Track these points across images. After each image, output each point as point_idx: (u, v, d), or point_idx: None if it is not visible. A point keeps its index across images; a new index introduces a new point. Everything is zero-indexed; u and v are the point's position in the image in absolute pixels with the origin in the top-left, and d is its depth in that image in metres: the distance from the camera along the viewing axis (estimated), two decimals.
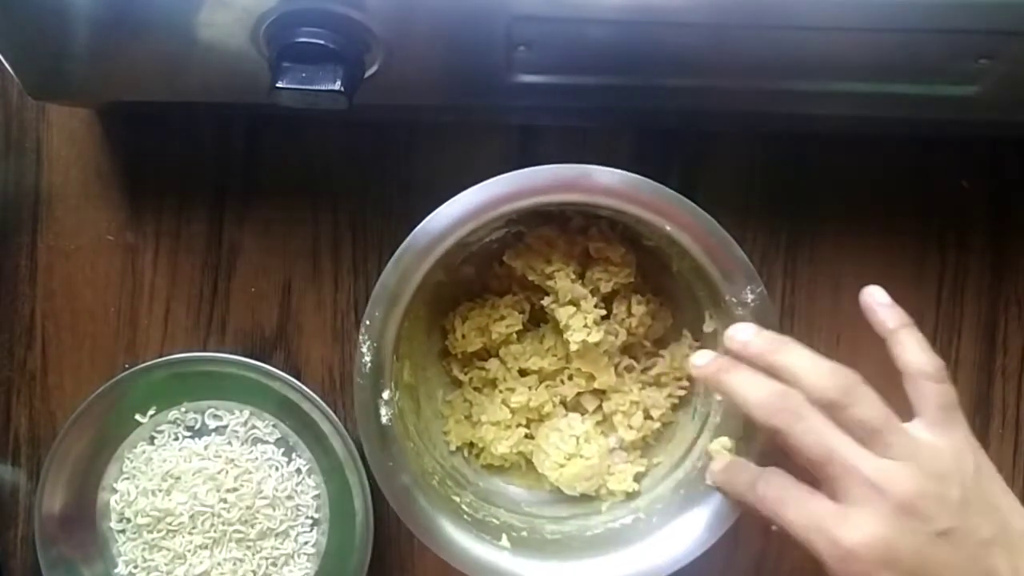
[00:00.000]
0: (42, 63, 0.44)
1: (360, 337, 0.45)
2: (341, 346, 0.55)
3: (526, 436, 0.51)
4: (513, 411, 0.51)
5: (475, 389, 0.53)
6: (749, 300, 0.44)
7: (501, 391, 0.51)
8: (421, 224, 0.44)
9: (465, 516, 0.47)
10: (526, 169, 0.44)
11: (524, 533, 0.48)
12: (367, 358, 0.45)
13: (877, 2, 0.40)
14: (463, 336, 0.51)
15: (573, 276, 0.49)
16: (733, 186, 0.54)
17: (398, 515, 0.46)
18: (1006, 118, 0.47)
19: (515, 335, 0.51)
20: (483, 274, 0.53)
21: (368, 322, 0.44)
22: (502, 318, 0.51)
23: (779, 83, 0.44)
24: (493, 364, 0.52)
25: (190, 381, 0.53)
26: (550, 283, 0.49)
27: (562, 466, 0.49)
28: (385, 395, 0.46)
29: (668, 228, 0.44)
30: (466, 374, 0.53)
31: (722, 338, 0.43)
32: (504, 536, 0.47)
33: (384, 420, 0.46)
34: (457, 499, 0.48)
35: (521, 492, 0.52)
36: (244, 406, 0.54)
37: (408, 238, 0.44)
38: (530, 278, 0.50)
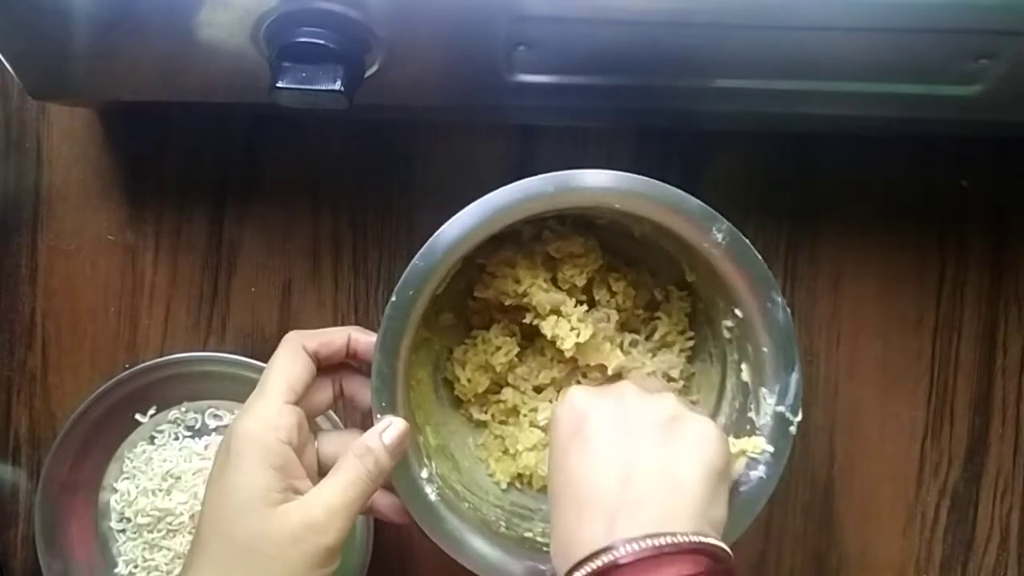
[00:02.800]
0: (42, 63, 0.44)
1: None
2: None
3: None
4: (543, 429, 0.51)
5: (501, 423, 0.52)
6: (719, 239, 0.43)
7: (525, 415, 0.51)
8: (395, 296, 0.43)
9: (544, 548, 0.46)
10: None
11: None
12: None
13: (877, 2, 0.40)
14: (468, 380, 0.51)
15: (545, 285, 0.49)
16: (733, 186, 0.54)
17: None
18: (1006, 118, 0.47)
19: (516, 358, 0.51)
20: (462, 316, 0.53)
21: (379, 416, 0.43)
22: (497, 348, 0.50)
23: (779, 83, 0.44)
24: (508, 393, 0.51)
25: (190, 381, 0.53)
26: (526, 300, 0.49)
27: None
28: (424, 474, 0.45)
29: (616, 206, 0.44)
30: (486, 413, 0.52)
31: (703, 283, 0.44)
32: None
33: (432, 498, 0.45)
34: (530, 534, 0.48)
35: None
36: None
37: (386, 314, 0.43)
38: (506, 303, 0.50)
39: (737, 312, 0.45)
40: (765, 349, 0.44)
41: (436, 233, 0.43)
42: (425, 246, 0.43)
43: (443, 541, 0.45)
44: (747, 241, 0.44)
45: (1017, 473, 0.54)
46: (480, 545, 0.45)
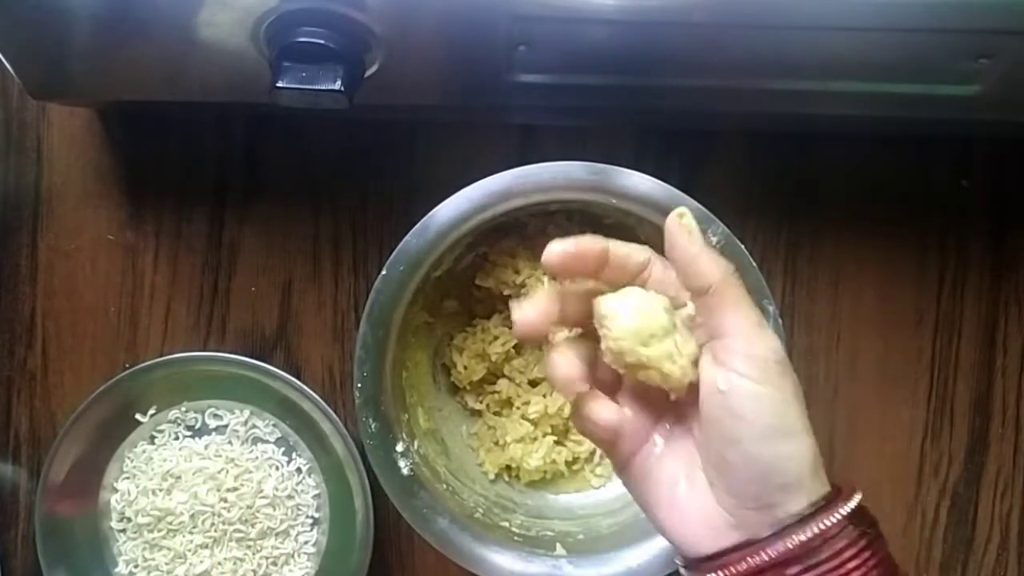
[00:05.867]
0: (42, 63, 0.44)
1: (356, 401, 0.44)
2: (341, 345, 0.55)
3: (556, 443, 0.52)
4: (534, 423, 0.51)
5: (494, 414, 0.53)
6: (714, 242, 0.44)
7: (518, 407, 0.52)
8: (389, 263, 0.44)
9: (516, 538, 0.48)
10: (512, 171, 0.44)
11: (581, 536, 0.49)
12: (369, 420, 0.45)
13: (877, 2, 0.40)
14: (465, 367, 0.52)
15: (544, 278, 0.49)
16: (733, 186, 0.54)
17: (445, 555, 0.46)
18: (1006, 118, 0.47)
19: (513, 350, 0.51)
20: (466, 303, 0.53)
21: (360, 384, 0.44)
22: (496, 338, 0.51)
23: (779, 83, 0.44)
24: (503, 384, 0.52)
25: (190, 381, 0.53)
26: (524, 291, 0.49)
27: None
28: (399, 447, 0.46)
29: (614, 202, 0.44)
30: (481, 402, 0.53)
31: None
32: (558, 545, 0.47)
33: (405, 472, 0.46)
34: (507, 524, 0.48)
35: (573, 498, 0.52)
36: (244, 406, 0.54)
37: (377, 281, 0.44)
38: (505, 293, 0.50)
39: None
40: None
41: (431, 212, 0.43)
42: (418, 224, 0.43)
43: (411, 516, 0.46)
44: (742, 247, 0.44)
45: (1017, 473, 0.54)
46: (446, 524, 0.46)
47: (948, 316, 0.54)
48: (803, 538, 0.31)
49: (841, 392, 0.54)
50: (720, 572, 0.32)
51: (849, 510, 0.32)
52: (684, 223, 0.33)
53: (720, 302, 0.32)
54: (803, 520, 0.31)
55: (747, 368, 0.31)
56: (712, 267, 0.33)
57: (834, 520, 0.31)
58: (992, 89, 0.43)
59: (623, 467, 0.36)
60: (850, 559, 0.31)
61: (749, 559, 0.31)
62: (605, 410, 0.35)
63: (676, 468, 0.34)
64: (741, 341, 0.32)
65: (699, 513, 0.33)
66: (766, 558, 0.31)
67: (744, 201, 0.53)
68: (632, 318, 0.33)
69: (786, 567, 0.31)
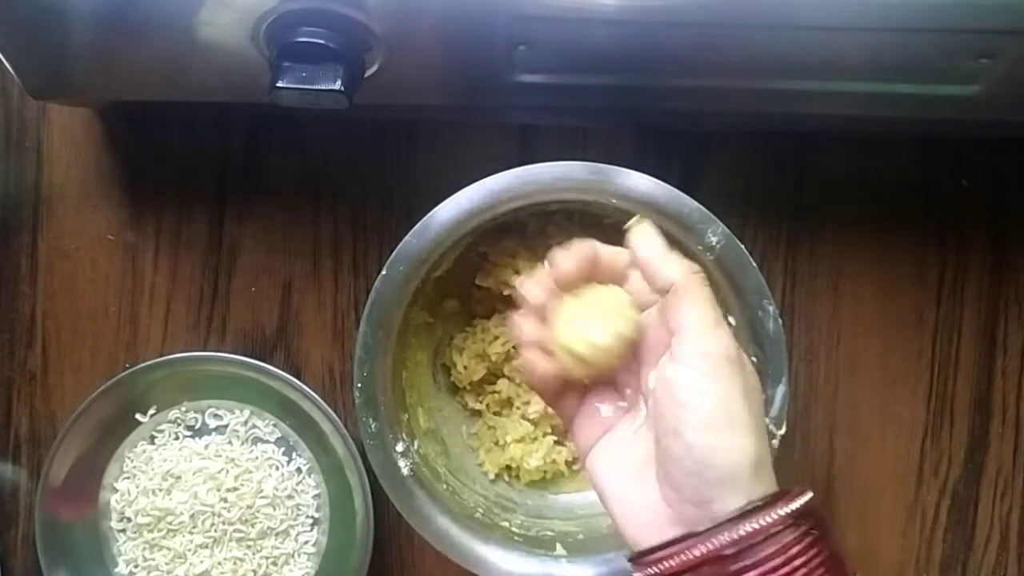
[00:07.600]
0: (42, 63, 0.44)
1: (356, 401, 0.45)
2: (341, 345, 0.55)
3: (556, 443, 0.52)
4: (534, 423, 0.51)
5: (494, 414, 0.53)
6: (714, 243, 0.44)
7: (518, 407, 0.52)
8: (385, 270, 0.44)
9: (516, 538, 0.48)
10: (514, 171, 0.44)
11: (581, 536, 0.49)
12: (369, 420, 0.45)
13: (877, 2, 0.40)
14: (465, 367, 0.52)
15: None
16: (733, 186, 0.54)
17: (445, 555, 0.46)
18: (1006, 118, 0.47)
19: (512, 350, 0.51)
20: (466, 303, 0.53)
21: (360, 384, 0.44)
22: (496, 338, 0.51)
23: (779, 83, 0.44)
24: (503, 384, 0.52)
25: (190, 381, 0.53)
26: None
27: None
28: (399, 448, 0.46)
29: (614, 202, 0.44)
30: (481, 402, 0.53)
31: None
32: (559, 545, 0.47)
33: (405, 472, 0.46)
34: (506, 524, 0.48)
35: (573, 498, 0.52)
36: (244, 406, 0.54)
37: (377, 283, 0.44)
38: (505, 293, 0.50)
39: (730, 320, 0.45)
40: (755, 359, 0.44)
41: (431, 212, 0.43)
42: (419, 224, 0.43)
43: (411, 516, 0.46)
44: (742, 247, 0.44)
45: (1017, 473, 0.54)
46: (446, 524, 0.46)
47: (948, 316, 0.54)
48: (737, 535, 0.31)
49: (841, 392, 0.54)
50: (657, 566, 0.33)
51: (791, 509, 0.32)
52: (643, 228, 0.36)
53: (678, 300, 0.34)
54: (741, 516, 0.31)
55: (697, 362, 0.33)
56: (671, 268, 0.35)
57: (773, 518, 0.31)
58: (992, 89, 0.43)
59: (586, 454, 0.38)
60: (796, 555, 0.31)
61: (684, 553, 0.32)
62: (543, 363, 0.37)
63: (633, 463, 0.36)
64: (694, 336, 0.33)
65: (645, 506, 0.35)
66: (699, 552, 0.32)
67: (744, 201, 0.53)
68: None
69: (724, 563, 0.31)
